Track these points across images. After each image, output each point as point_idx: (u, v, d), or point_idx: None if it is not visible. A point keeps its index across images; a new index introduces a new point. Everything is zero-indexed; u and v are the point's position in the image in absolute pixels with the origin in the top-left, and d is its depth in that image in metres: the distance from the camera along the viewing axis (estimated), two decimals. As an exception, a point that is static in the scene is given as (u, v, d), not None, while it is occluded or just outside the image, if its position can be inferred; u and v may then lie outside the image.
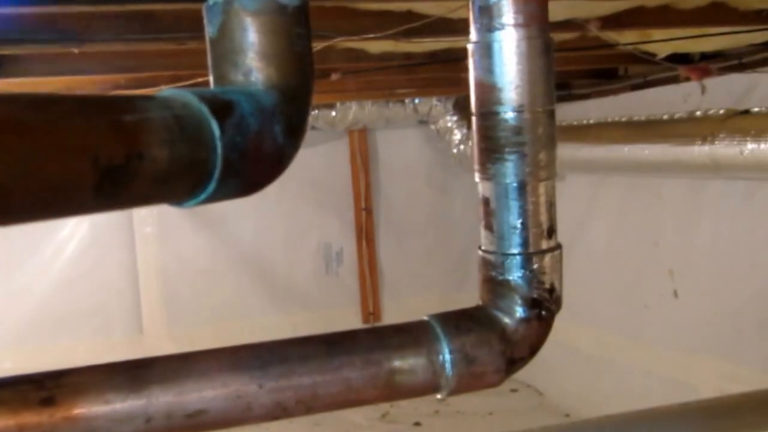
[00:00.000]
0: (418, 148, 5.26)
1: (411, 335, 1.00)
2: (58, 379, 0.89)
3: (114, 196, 0.83)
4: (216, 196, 0.98)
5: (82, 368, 0.92)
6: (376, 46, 2.80)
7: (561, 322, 1.08)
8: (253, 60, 1.06)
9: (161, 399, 0.87)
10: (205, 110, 0.94)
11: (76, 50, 2.20)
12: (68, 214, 0.82)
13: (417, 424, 4.58)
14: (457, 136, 4.74)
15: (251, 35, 1.05)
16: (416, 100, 4.76)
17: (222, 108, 0.96)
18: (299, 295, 5.17)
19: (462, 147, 4.71)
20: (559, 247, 1.06)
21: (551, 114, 1.06)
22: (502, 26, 1.01)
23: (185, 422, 0.88)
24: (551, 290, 1.04)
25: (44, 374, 0.90)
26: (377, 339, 0.99)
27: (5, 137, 0.69)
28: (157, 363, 0.92)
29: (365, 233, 5.25)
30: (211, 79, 1.10)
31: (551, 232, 1.05)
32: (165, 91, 0.99)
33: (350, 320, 5.11)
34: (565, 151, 3.35)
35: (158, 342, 4.86)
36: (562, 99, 3.98)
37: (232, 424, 0.92)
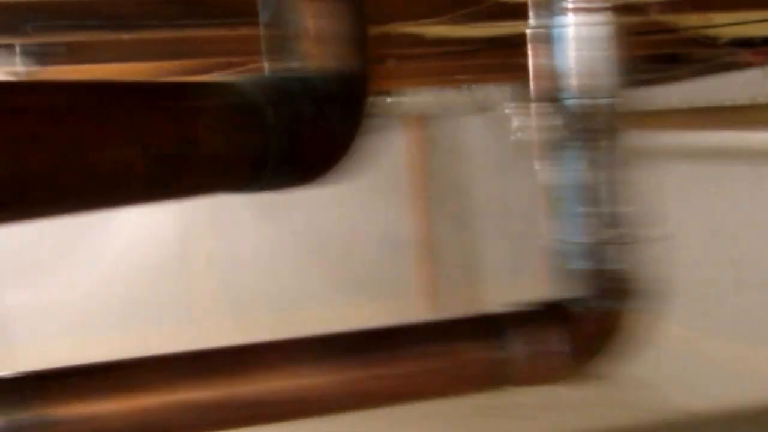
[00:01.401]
0: (476, 135, 5.21)
1: (476, 326, 0.97)
2: (123, 368, 0.89)
3: (166, 186, 0.81)
4: (272, 185, 0.96)
5: (145, 358, 0.92)
6: (433, 31, 2.77)
7: (631, 315, 1.04)
8: (309, 46, 1.03)
9: (228, 389, 0.87)
10: (260, 97, 0.92)
11: (128, 37, 2.21)
12: (121, 203, 0.81)
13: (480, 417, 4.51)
14: (516, 123, 4.68)
15: (307, 21, 1.03)
16: (474, 87, 4.70)
17: (277, 95, 0.94)
18: (358, 285, 5.16)
19: (521, 134, 4.65)
20: (627, 236, 1.02)
21: (615, 101, 1.02)
22: (564, 11, 0.98)
23: (244, 413, 0.87)
24: (621, 280, 1.01)
25: (109, 363, 0.90)
26: (441, 331, 0.97)
27: (52, 125, 0.67)
28: (222, 353, 0.92)
29: (424, 222, 5.23)
30: (266, 65, 1.08)
31: (619, 220, 1.01)
32: (219, 77, 0.97)
33: (410, 310, 5.09)
34: (633, 138, 3.27)
35: (212, 332, 4.91)
36: (630, 85, 3.88)
37: (291, 417, 0.91)
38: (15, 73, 2.74)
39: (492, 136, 5.12)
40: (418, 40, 2.82)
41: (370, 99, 1.11)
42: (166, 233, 4.99)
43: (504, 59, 3.29)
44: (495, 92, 4.72)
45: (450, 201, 5.27)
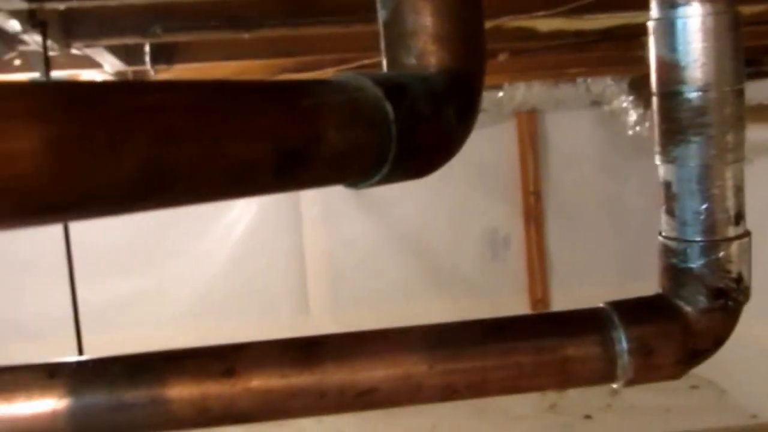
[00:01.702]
0: (590, 130, 5.11)
1: (586, 322, 0.97)
2: (237, 352, 0.93)
3: (292, 178, 0.85)
4: (389, 179, 0.99)
5: (258, 342, 0.96)
6: (546, 24, 2.74)
7: (748, 316, 1.02)
8: (426, 43, 1.06)
9: (334, 376, 0.90)
10: (379, 94, 0.95)
11: (246, 35, 2.29)
12: (250, 194, 0.86)
13: (587, 417, 4.43)
14: (633, 117, 4.57)
15: (425, 18, 1.05)
16: (588, 80, 4.62)
17: (396, 91, 0.97)
18: (464, 281, 5.16)
19: (638, 128, 4.54)
20: (747, 234, 0.99)
21: (740, 93, 0.99)
22: (687, 1, 0.96)
23: (357, 400, 0.90)
24: (738, 280, 0.98)
25: (224, 347, 0.95)
26: (550, 325, 0.98)
27: (191, 122, 0.72)
28: (330, 341, 0.95)
29: (534, 218, 5.17)
30: (384, 62, 1.11)
31: (739, 218, 0.98)
32: (339, 74, 1.00)
33: (517, 308, 5.05)
34: (755, 132, 3.13)
35: (322, 322, 5.01)
36: (752, 76, 3.73)
37: (401, 404, 0.93)
38: (142, 72, 2.88)
39: (607, 130, 5.01)
40: (532, 34, 2.80)
41: (482, 94, 1.12)
42: (280, 224, 5.12)
43: (620, 51, 3.23)
44: (611, 85, 4.63)
45: (562, 198, 5.20)
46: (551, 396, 4.51)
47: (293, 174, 0.84)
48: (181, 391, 0.88)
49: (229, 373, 0.89)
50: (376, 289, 5.10)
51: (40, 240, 3.14)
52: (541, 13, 2.25)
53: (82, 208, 0.65)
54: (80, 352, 2.92)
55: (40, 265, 4.35)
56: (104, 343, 2.73)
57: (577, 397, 4.46)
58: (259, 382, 0.90)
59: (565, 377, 0.94)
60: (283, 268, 5.13)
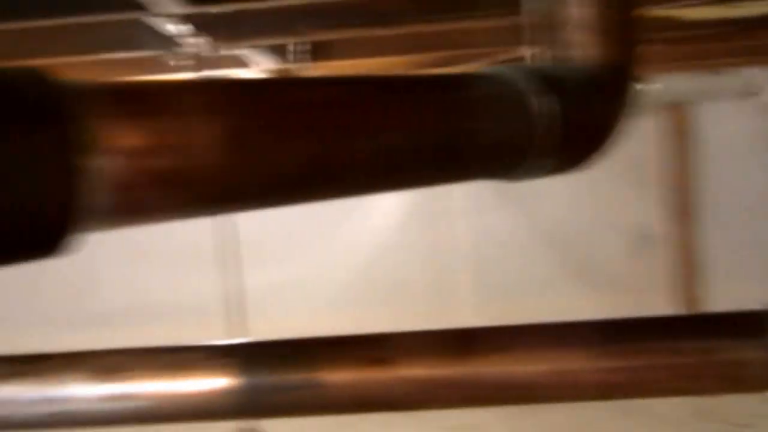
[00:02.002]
0: (744, 122, 4.87)
1: (754, 324, 0.92)
2: (392, 340, 0.95)
3: (445, 170, 0.86)
4: (533, 173, 0.98)
5: (412, 332, 0.97)
6: (697, 12, 2.64)
7: None
8: (576, 34, 1.04)
9: (490, 369, 0.90)
10: (530, 86, 0.94)
11: (388, 32, 2.31)
12: (408, 186, 0.88)
13: (743, 425, 4.17)
14: (787, 109, 4.33)
15: (573, 9, 1.03)
16: (742, 70, 4.41)
17: (546, 84, 0.96)
18: (609, 276, 5.03)
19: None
20: None
21: None
22: None
23: (512, 394, 0.90)
24: None
25: (379, 335, 0.97)
26: (713, 325, 0.94)
27: (355, 116, 0.74)
28: (484, 333, 0.95)
29: (684, 214, 4.98)
30: (532, 55, 1.10)
31: None
32: (493, 68, 1.00)
33: (663, 306, 4.88)
34: None
35: (467, 313, 5.00)
36: None
37: (557, 400, 0.92)
38: (291, 70, 2.96)
39: (762, 122, 4.76)
40: (682, 23, 2.70)
41: (633, 86, 1.10)
42: (429, 215, 5.16)
43: None
44: (760, 76, 4.41)
45: (714, 193, 4.97)
46: (703, 401, 4.29)
47: (447, 166, 0.85)
48: (339, 377, 0.91)
49: (385, 360, 0.91)
50: (520, 282, 5.05)
51: (204, 228, 3.29)
52: (694, 1, 2.16)
53: (257, 198, 0.68)
54: (243, 335, 3.04)
55: (203, 253, 4.55)
56: (261, 328, 2.82)
57: (730, 403, 4.20)
58: (415, 371, 0.91)
59: (729, 381, 0.90)
60: (431, 258, 5.17)
